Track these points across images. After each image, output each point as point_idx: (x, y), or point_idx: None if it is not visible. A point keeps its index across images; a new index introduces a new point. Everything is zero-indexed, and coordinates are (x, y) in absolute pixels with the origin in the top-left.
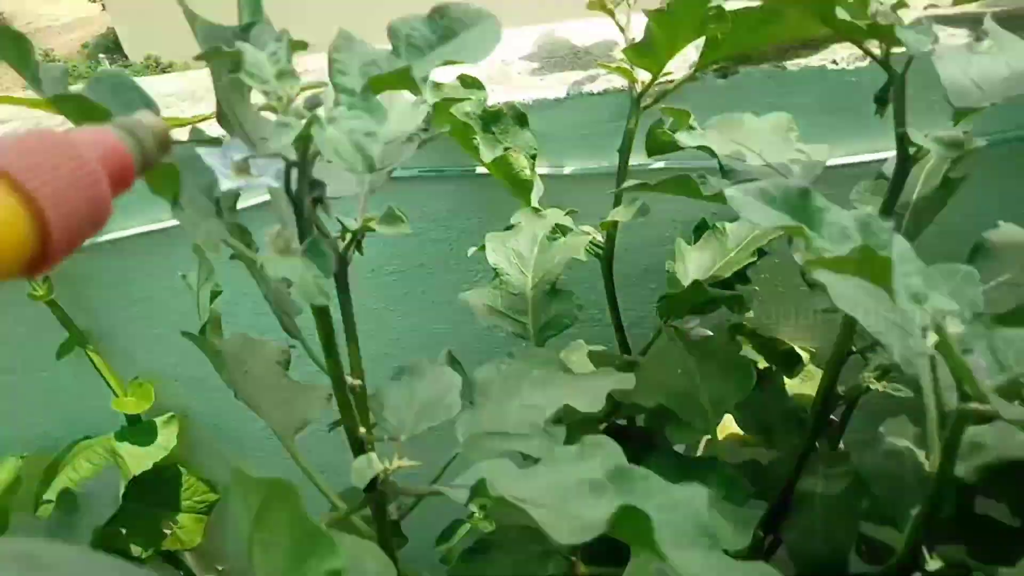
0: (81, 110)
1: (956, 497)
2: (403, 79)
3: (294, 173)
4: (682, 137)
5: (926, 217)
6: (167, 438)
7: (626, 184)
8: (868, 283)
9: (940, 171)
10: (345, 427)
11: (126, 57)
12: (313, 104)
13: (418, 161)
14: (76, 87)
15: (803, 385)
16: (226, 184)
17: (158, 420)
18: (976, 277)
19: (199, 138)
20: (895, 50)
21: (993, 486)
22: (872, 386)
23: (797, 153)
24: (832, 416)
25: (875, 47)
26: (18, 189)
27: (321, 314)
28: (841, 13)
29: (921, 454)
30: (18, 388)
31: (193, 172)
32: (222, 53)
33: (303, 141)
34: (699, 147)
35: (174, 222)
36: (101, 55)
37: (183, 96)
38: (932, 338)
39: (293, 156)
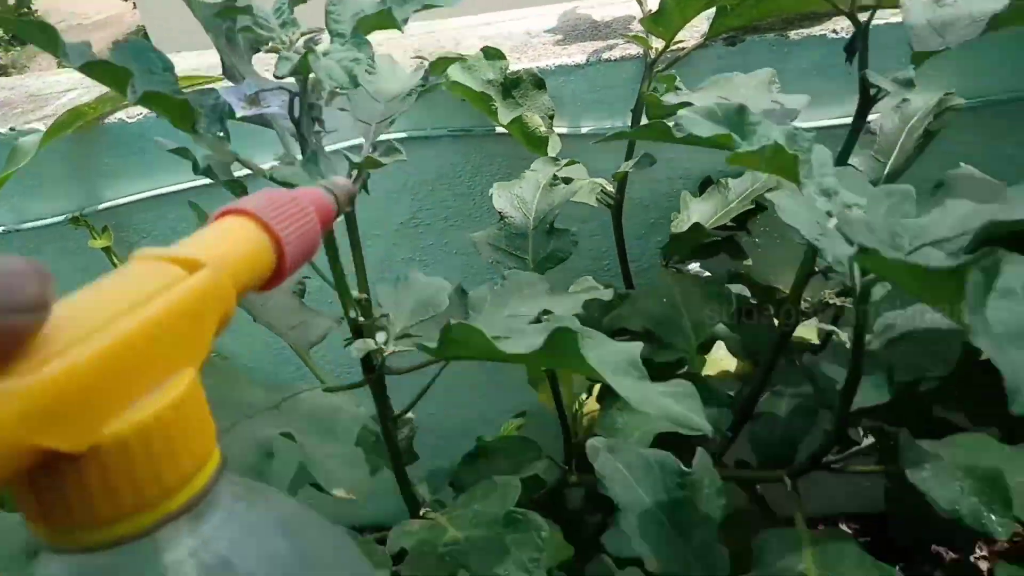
0: (107, 73)
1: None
2: (385, 19)
3: (296, 102)
4: (668, 97)
5: (905, 164)
6: None
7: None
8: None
9: (922, 127)
10: (347, 320)
11: None
12: (311, 43)
13: (447, 122)
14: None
15: (800, 329)
16: (241, 112)
17: None
18: (912, 193)
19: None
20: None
21: (950, 394)
22: (831, 301)
23: (774, 104)
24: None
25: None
26: (271, 232)
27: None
28: None
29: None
30: None
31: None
32: (236, 9)
33: (303, 74)
34: (682, 103)
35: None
36: None
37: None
38: (833, 221)
39: (296, 89)
